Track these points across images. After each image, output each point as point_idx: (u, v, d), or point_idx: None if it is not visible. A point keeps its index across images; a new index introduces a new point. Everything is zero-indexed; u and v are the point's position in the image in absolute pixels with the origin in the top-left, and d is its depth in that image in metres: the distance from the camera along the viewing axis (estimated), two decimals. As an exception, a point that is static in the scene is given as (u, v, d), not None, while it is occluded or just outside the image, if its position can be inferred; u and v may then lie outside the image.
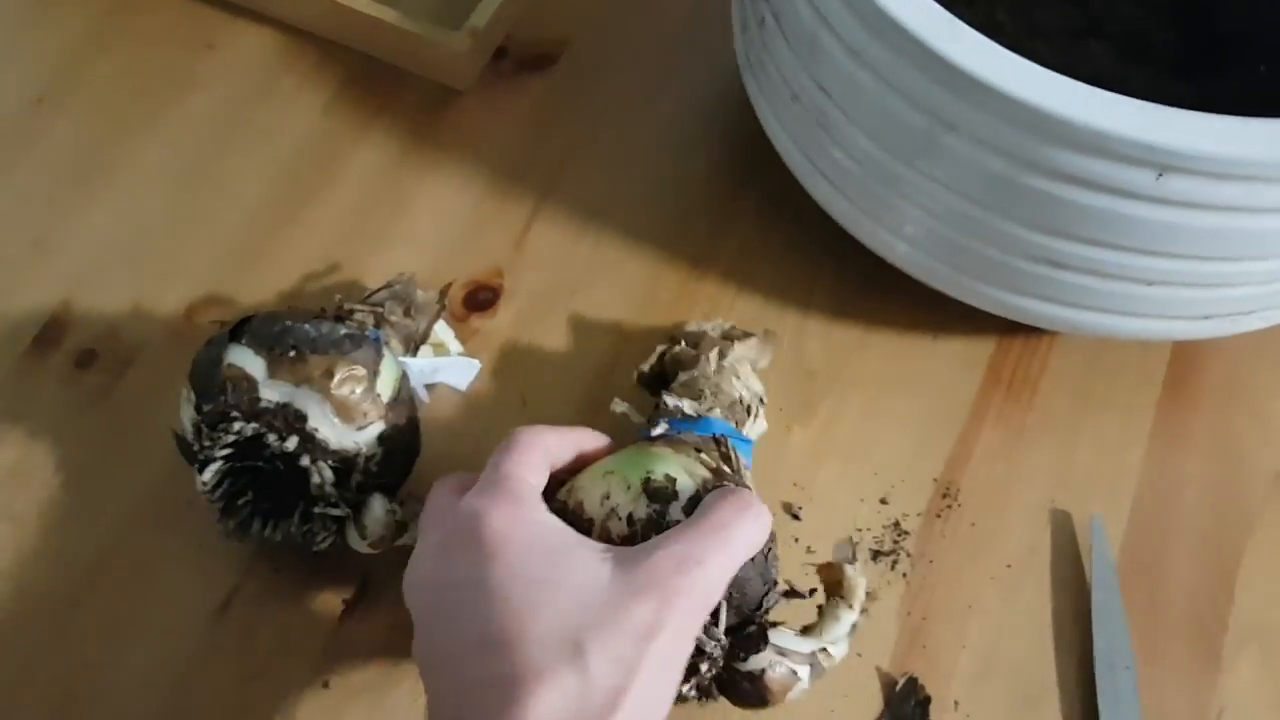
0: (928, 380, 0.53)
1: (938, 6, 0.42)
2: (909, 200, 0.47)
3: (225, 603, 0.47)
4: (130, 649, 0.46)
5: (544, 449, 0.41)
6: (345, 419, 0.42)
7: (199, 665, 0.46)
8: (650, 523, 0.41)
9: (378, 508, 0.44)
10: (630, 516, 0.41)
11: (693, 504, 0.41)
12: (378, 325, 0.47)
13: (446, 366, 0.51)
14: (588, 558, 0.37)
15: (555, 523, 0.39)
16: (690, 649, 0.38)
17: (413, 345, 0.49)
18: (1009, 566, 0.49)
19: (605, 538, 0.41)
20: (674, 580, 0.36)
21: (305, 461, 0.42)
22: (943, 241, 0.48)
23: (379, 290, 0.50)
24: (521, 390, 0.52)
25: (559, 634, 0.34)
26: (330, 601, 0.47)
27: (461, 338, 0.53)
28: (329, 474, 0.42)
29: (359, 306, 0.48)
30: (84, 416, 0.51)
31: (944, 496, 0.50)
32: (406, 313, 0.49)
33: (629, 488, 0.41)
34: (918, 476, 0.51)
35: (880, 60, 0.43)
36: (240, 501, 0.44)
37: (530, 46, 0.62)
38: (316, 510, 0.43)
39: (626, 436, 0.48)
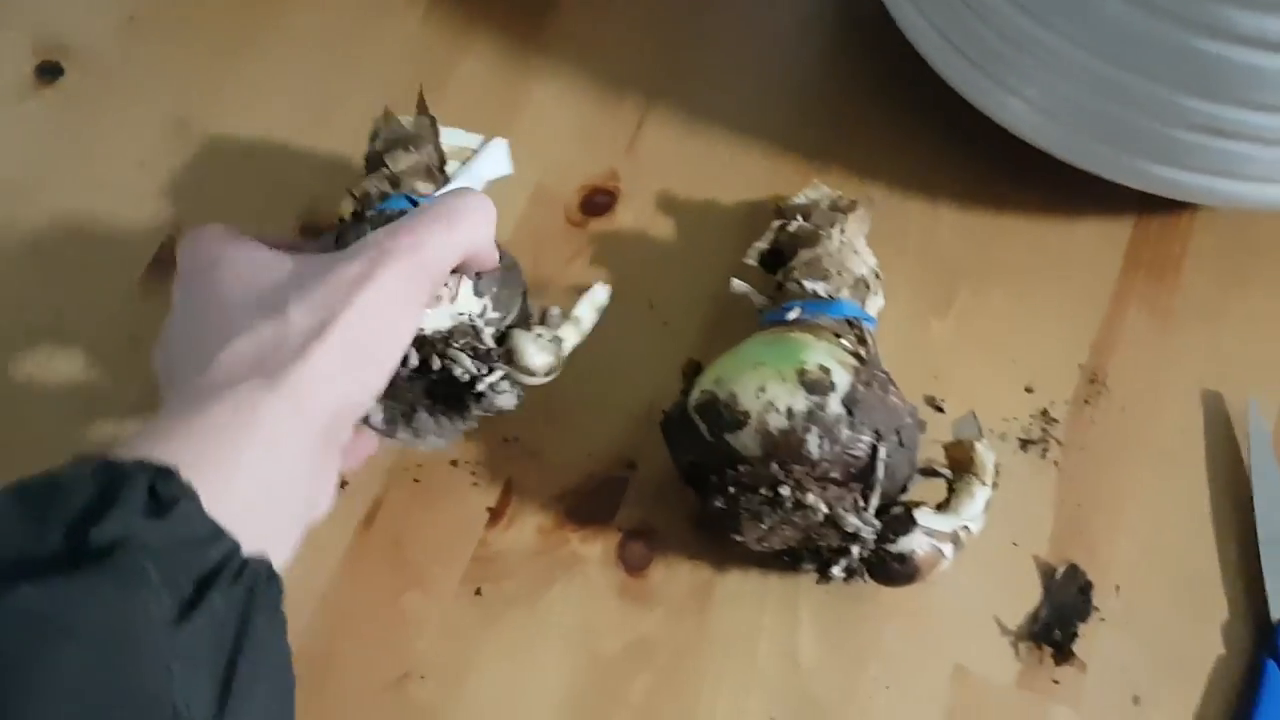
0: (1066, 265, 0.51)
1: None
2: (1057, 72, 0.45)
3: (369, 516, 0.47)
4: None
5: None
6: (433, 303, 0.41)
7: (349, 579, 0.46)
8: (810, 416, 0.40)
9: (526, 343, 0.42)
10: (790, 410, 0.40)
11: (851, 399, 0.40)
12: (395, 185, 0.45)
13: (482, 163, 0.48)
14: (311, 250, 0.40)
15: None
16: (413, 312, 0.38)
17: (438, 170, 0.47)
18: (1163, 451, 0.48)
19: (763, 430, 0.40)
20: (385, 243, 0.37)
21: (436, 364, 0.41)
22: (1093, 114, 0.46)
23: (373, 149, 0.47)
24: (648, 293, 0.51)
25: (263, 301, 0.36)
26: (475, 508, 0.47)
27: (578, 240, 0.51)
28: (466, 359, 0.41)
29: (368, 186, 0.45)
30: (210, 337, 0.50)
31: (1091, 382, 0.49)
32: (406, 148, 0.46)
33: (784, 379, 0.41)
34: (1063, 363, 0.49)
35: (1031, -78, 0.41)
36: (419, 413, 0.43)
37: (627, -59, 0.60)
38: (480, 389, 0.41)
39: (748, 317, 0.47)
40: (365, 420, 0.42)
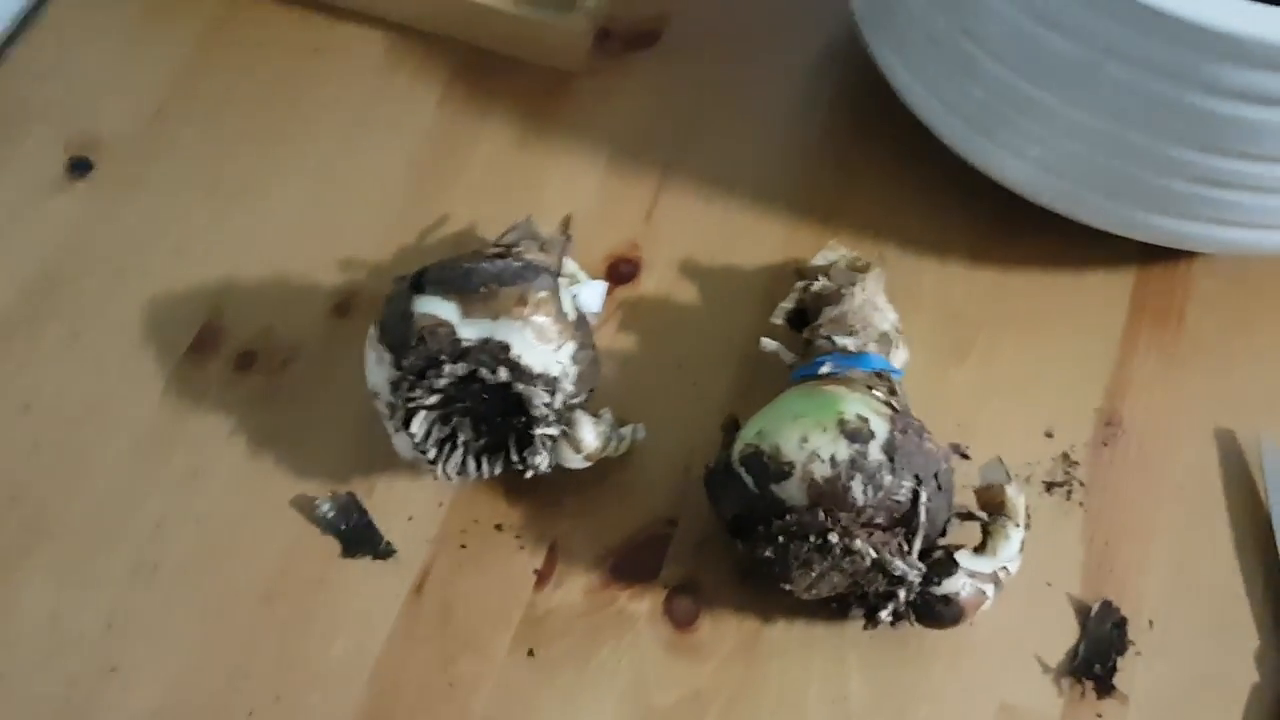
0: (1075, 313, 0.54)
1: (1087, -65, 0.43)
2: (1059, 133, 0.48)
3: (418, 584, 0.48)
4: (330, 640, 0.47)
5: None
6: (544, 342, 0.44)
7: (401, 649, 0.46)
8: (854, 463, 0.42)
9: (586, 421, 0.45)
10: (833, 458, 0.42)
11: (890, 446, 0.42)
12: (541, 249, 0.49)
13: (584, 293, 0.51)
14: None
15: None
16: None
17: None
18: (1182, 488, 0.50)
19: (809, 479, 0.42)
20: None
21: (520, 388, 0.43)
22: (1094, 171, 0.48)
23: (506, 234, 0.51)
24: (676, 355, 0.53)
25: None
26: (522, 571, 0.48)
27: (607, 307, 0.54)
28: (545, 395, 0.43)
29: (498, 250, 0.49)
30: (252, 415, 0.51)
31: (1108, 425, 0.51)
32: (540, 249, 0.50)
33: (825, 430, 0.42)
34: (1079, 408, 0.51)
35: (1032, -6, 0.44)
36: (457, 443, 0.45)
37: (633, 25, 0.63)
38: (537, 432, 0.44)
39: (776, 375, 0.49)
40: (404, 426, 0.44)
